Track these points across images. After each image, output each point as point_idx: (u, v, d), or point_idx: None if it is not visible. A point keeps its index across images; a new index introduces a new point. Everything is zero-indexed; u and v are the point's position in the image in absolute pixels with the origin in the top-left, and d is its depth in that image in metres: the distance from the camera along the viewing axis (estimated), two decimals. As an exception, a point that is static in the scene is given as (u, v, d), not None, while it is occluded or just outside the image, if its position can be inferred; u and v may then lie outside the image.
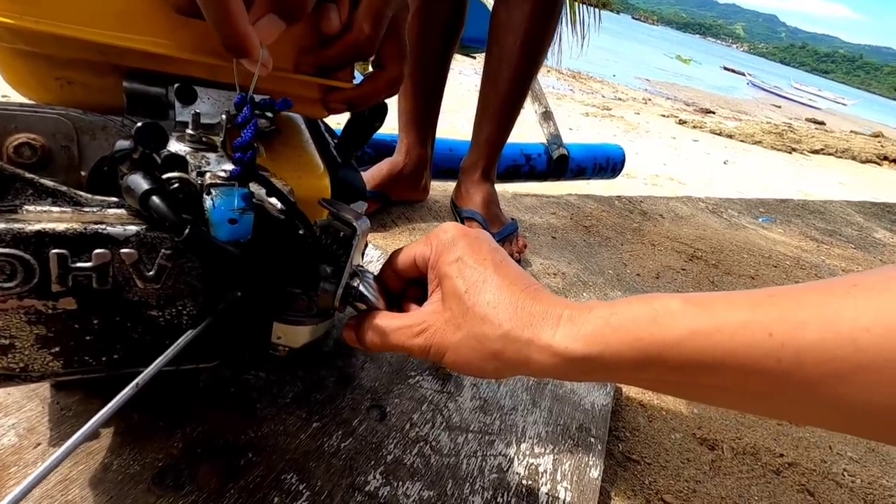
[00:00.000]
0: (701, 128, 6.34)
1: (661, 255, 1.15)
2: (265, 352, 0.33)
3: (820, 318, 0.23)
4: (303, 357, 0.52)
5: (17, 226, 0.21)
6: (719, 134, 6.23)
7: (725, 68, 27.11)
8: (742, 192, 3.84)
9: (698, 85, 13.17)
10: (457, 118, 3.19)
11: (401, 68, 0.39)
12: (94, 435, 0.24)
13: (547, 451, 0.51)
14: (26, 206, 0.24)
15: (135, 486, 0.37)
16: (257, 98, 0.30)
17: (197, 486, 0.38)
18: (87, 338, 0.24)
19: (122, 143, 0.25)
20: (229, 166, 0.28)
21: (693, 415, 0.69)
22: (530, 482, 0.47)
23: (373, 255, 0.72)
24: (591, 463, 0.51)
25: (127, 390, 0.23)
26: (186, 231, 0.22)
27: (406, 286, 0.38)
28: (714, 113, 8.30)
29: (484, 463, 0.47)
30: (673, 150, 4.85)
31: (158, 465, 0.38)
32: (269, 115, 0.35)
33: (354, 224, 0.32)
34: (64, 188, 0.25)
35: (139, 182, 0.23)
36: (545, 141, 1.47)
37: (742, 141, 6.15)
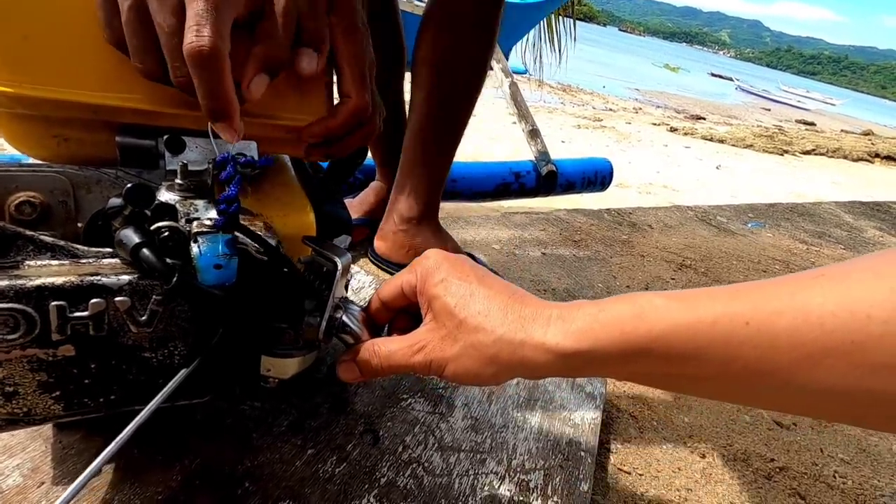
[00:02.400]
0: (692, 134, 6.42)
1: (650, 266, 1.17)
2: (255, 385, 0.34)
3: (791, 305, 0.25)
4: (297, 385, 0.54)
5: (19, 282, 0.23)
6: (710, 139, 6.30)
7: (713, 74, 27.48)
8: (735, 195, 3.88)
9: (688, 92, 13.34)
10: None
11: (363, 96, 0.39)
12: (96, 472, 0.25)
13: (538, 467, 0.52)
14: (27, 262, 0.26)
15: (135, 519, 0.38)
16: (238, 149, 0.32)
17: (195, 517, 0.39)
18: (86, 381, 0.26)
19: (115, 201, 0.27)
20: (214, 213, 0.31)
21: (684, 424, 0.71)
22: (521, 498, 0.48)
23: (364, 281, 0.74)
24: (581, 476, 0.53)
25: (127, 431, 0.25)
26: (174, 279, 0.24)
27: (395, 317, 0.40)
28: (705, 119, 8.40)
29: (476, 481, 0.49)
30: (665, 158, 4.90)
31: (158, 499, 0.40)
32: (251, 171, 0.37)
33: (336, 260, 0.34)
34: (62, 242, 0.27)
35: (130, 236, 0.25)
36: (534, 158, 1.50)
37: (734, 145, 6.22)
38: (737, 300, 0.27)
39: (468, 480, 0.49)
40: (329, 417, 0.52)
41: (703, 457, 0.66)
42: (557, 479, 0.51)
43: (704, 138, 6.29)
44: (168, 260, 0.26)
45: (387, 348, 0.35)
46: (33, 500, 0.38)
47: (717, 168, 4.91)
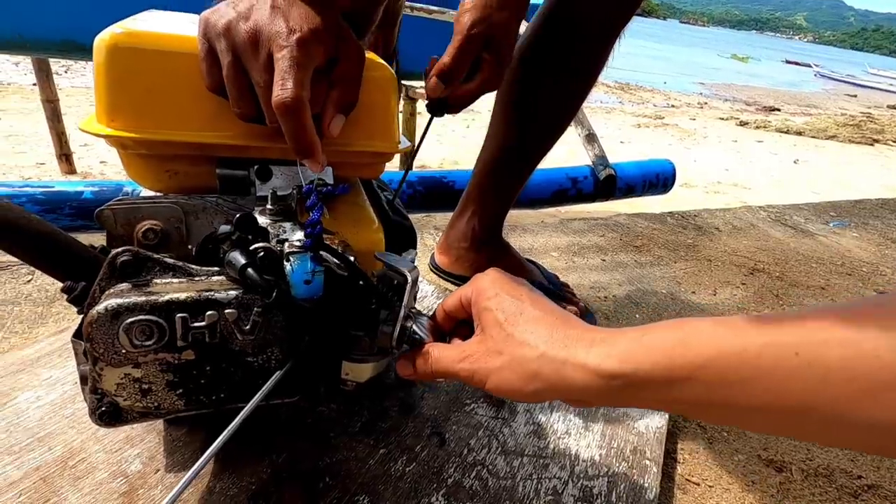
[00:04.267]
0: (765, 127, 6.02)
1: (718, 271, 1.12)
2: (336, 387, 0.38)
3: (843, 337, 0.24)
4: (368, 389, 0.58)
5: (152, 298, 0.28)
6: (786, 132, 5.88)
7: (789, 62, 25.56)
8: (817, 192, 3.60)
9: (759, 82, 12.51)
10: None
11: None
12: (209, 460, 0.30)
13: (601, 474, 0.53)
14: (155, 280, 0.31)
15: (234, 505, 0.43)
16: (318, 176, 0.37)
17: (284, 506, 0.44)
18: (202, 381, 0.31)
19: (224, 228, 0.31)
20: (301, 233, 0.35)
21: (757, 436, 0.68)
22: (585, 504, 0.49)
23: (426, 290, 0.78)
24: (646, 485, 0.53)
25: (234, 423, 0.29)
26: (274, 294, 0.28)
27: (456, 326, 0.43)
28: (779, 110, 7.85)
29: (539, 485, 0.50)
30: (735, 154, 4.63)
31: (252, 489, 0.45)
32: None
33: (406, 274, 0.37)
34: (180, 263, 0.32)
35: (238, 258, 0.29)
36: (591, 163, 1.48)
37: (814, 137, 5.77)
38: (785, 328, 0.26)
39: (532, 484, 0.50)
40: (398, 420, 0.55)
41: (780, 471, 0.63)
42: (622, 487, 0.52)
43: (779, 131, 5.88)
44: (266, 276, 0.31)
45: (438, 353, 0.38)
46: (151, 484, 0.44)
47: (794, 162, 4.58)
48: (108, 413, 0.30)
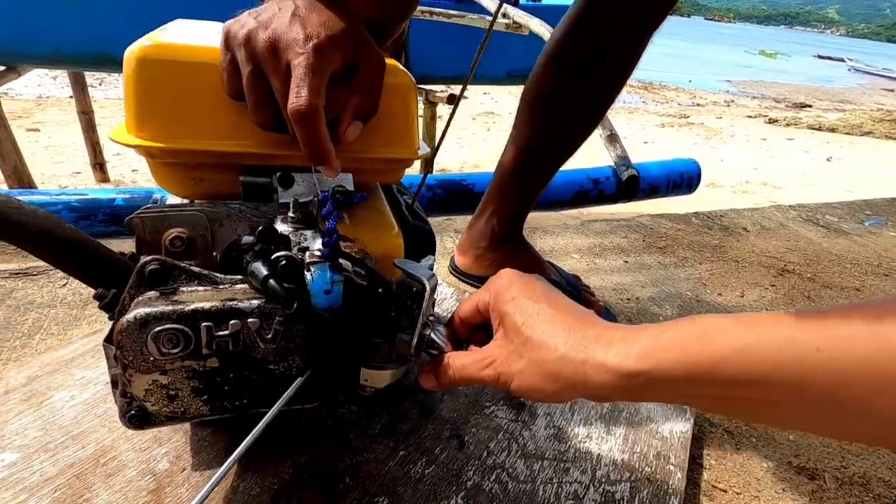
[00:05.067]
0: (796, 125, 5.84)
1: (745, 272, 1.10)
2: (355, 393, 0.39)
3: (868, 332, 0.24)
4: (387, 392, 0.59)
5: (179, 307, 0.29)
6: (818, 129, 5.70)
7: (821, 56, 24.72)
8: (851, 190, 3.47)
9: (789, 79, 12.15)
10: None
11: None
12: (235, 462, 0.31)
13: (623, 479, 0.52)
14: (181, 288, 0.32)
15: (258, 505, 0.44)
16: (337, 181, 0.37)
17: (306, 506, 0.44)
18: (226, 387, 0.32)
19: (247, 238, 0.32)
20: (321, 242, 0.35)
21: (788, 442, 0.66)
22: (607, 510, 0.49)
23: (445, 293, 0.78)
24: (671, 491, 0.52)
25: (257, 428, 0.30)
26: (295, 304, 0.29)
27: (472, 332, 0.43)
28: (810, 107, 7.60)
29: (560, 489, 0.50)
30: (764, 153, 4.51)
31: (274, 489, 0.46)
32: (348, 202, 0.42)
33: (424, 282, 0.37)
34: (206, 272, 0.33)
35: (260, 269, 0.30)
36: (613, 163, 1.46)
37: (848, 133, 5.57)
38: (807, 324, 0.26)
39: (552, 488, 0.50)
40: (417, 422, 0.55)
41: (813, 478, 0.61)
42: (645, 493, 0.51)
43: (811, 128, 5.70)
44: (286, 285, 0.31)
45: (461, 362, 0.38)
46: (178, 482, 0.45)
47: (827, 160, 4.43)
48: (137, 416, 0.31)
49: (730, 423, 0.68)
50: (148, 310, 0.28)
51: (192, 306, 0.29)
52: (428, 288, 0.37)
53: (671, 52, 13.38)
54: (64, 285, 0.80)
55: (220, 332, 0.30)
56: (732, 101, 7.59)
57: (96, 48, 1.68)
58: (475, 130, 4.15)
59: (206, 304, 0.30)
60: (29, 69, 1.80)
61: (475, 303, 0.40)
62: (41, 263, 0.81)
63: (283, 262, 0.32)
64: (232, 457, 0.29)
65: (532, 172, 0.81)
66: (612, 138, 1.53)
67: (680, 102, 6.91)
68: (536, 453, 0.53)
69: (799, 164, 4.24)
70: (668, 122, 5.39)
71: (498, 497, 0.48)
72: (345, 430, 0.53)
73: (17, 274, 0.80)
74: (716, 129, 5.20)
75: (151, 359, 0.29)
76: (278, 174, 0.42)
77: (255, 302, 0.31)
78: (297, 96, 0.34)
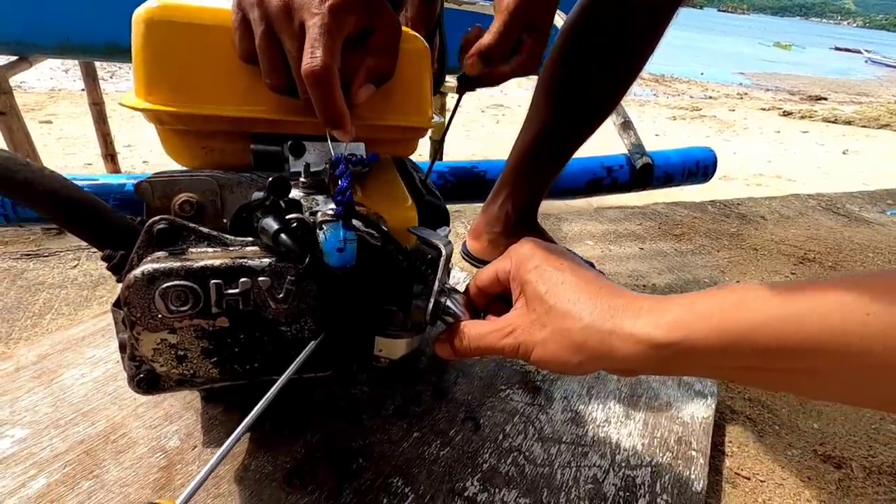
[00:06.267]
0: (811, 117, 5.74)
1: (765, 261, 1.07)
2: (369, 364, 0.37)
3: None
4: (401, 373, 0.57)
5: (187, 263, 0.28)
6: (834, 121, 5.59)
7: (837, 48, 24.27)
8: (868, 183, 3.40)
9: (804, 71, 11.94)
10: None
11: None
12: (245, 431, 0.29)
13: (644, 464, 0.50)
14: (191, 249, 0.31)
15: (269, 483, 0.43)
16: (350, 150, 0.36)
17: (318, 485, 0.43)
18: (236, 349, 0.30)
19: (257, 194, 0.31)
20: (334, 206, 0.34)
21: (812, 430, 0.64)
22: (628, 494, 0.47)
23: (458, 277, 0.76)
24: (693, 477, 0.50)
25: (271, 392, 0.29)
26: (307, 260, 0.28)
27: (490, 302, 0.41)
28: (826, 99, 7.47)
29: (578, 473, 0.48)
30: (778, 145, 4.43)
31: (287, 467, 0.44)
32: (361, 168, 0.40)
33: (441, 247, 0.36)
34: (215, 233, 0.31)
35: (271, 223, 0.29)
36: (627, 151, 1.44)
37: (864, 126, 5.46)
38: (853, 289, 0.24)
39: (570, 472, 0.48)
40: (431, 404, 0.54)
41: (839, 467, 0.59)
42: (666, 478, 0.49)
43: (826, 121, 5.59)
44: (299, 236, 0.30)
45: (478, 330, 0.36)
46: (188, 460, 0.44)
47: (843, 153, 4.34)
48: (145, 380, 0.30)
49: (752, 409, 0.66)
50: (156, 265, 0.27)
51: (202, 263, 0.28)
52: (444, 253, 0.35)
53: (683, 44, 13.21)
54: (75, 266, 0.80)
55: (230, 291, 0.29)
56: (746, 93, 7.47)
57: (106, 38, 1.68)
58: (484, 122, 4.12)
59: (216, 262, 0.28)
60: (40, 59, 1.81)
61: (494, 271, 0.38)
62: (53, 245, 0.81)
63: (295, 223, 0.30)
64: (244, 422, 0.28)
65: (547, 156, 0.79)
66: (626, 125, 1.51)
67: (692, 95, 6.82)
68: (553, 437, 0.52)
69: (814, 157, 4.16)
70: (680, 114, 5.32)
71: (515, 480, 0.47)
72: (358, 410, 0.51)
73: (28, 255, 0.80)
74: (728, 122, 5.13)
75: (160, 316, 0.28)
76: (289, 142, 0.41)
77: (266, 260, 0.30)
78: (312, 57, 0.32)
